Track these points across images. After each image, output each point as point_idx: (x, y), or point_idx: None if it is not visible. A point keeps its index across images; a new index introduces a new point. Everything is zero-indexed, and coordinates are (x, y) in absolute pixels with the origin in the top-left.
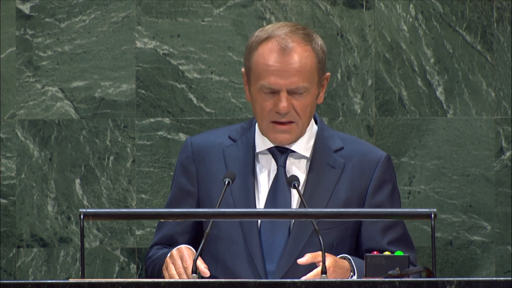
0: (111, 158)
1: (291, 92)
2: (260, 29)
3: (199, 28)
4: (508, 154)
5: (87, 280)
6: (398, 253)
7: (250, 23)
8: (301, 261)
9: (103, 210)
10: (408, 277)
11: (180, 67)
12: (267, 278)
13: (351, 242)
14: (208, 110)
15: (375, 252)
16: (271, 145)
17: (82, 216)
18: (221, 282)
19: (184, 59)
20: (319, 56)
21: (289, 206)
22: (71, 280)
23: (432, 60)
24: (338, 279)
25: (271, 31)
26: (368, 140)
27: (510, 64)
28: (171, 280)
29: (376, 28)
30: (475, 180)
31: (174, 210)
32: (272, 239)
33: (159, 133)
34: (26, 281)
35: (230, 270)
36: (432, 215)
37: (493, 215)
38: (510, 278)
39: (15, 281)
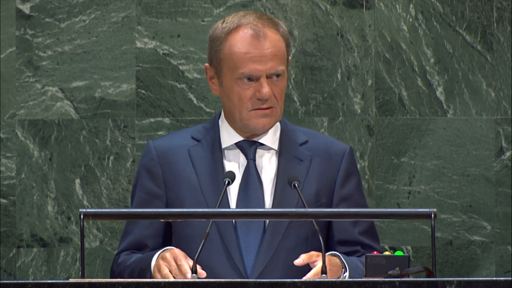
0: (111, 158)
1: (269, 77)
2: (221, 21)
3: (199, 28)
4: (508, 154)
5: (87, 280)
6: (398, 253)
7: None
8: (297, 262)
9: (103, 210)
10: (408, 277)
11: (180, 67)
12: (246, 273)
13: (323, 234)
14: (208, 110)
15: (375, 252)
16: (238, 139)
17: (82, 216)
18: (221, 282)
19: (184, 59)
20: (286, 40)
21: (262, 199)
22: (71, 280)
23: (432, 60)
24: (338, 279)
25: (237, 20)
26: (368, 140)
27: (510, 64)
28: (171, 280)
29: (376, 28)
30: (475, 180)
31: (173, 210)
32: (248, 235)
33: (159, 133)
34: (26, 281)
35: (207, 267)
36: (432, 215)
37: (493, 215)
38: (510, 278)
39: (15, 281)
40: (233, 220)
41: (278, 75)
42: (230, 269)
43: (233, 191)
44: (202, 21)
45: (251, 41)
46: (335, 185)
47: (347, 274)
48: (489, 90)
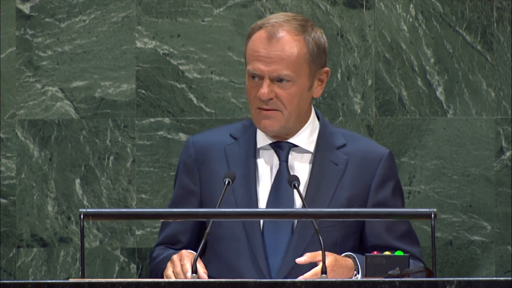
0: (111, 158)
1: (274, 80)
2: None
3: (199, 28)
4: (508, 154)
5: (87, 280)
6: (398, 253)
7: (250, 23)
8: (299, 260)
9: (103, 210)
10: (408, 277)
11: (180, 67)
12: (270, 276)
13: (355, 238)
14: (208, 110)
15: (375, 252)
16: (272, 139)
17: (82, 216)
18: (221, 282)
19: (184, 59)
20: (309, 47)
21: (292, 202)
22: (71, 280)
23: (432, 60)
24: (338, 279)
25: (266, 20)
26: None
27: (510, 64)
28: (171, 280)
29: (376, 28)
30: (475, 180)
31: (174, 210)
32: (275, 238)
33: (159, 133)
34: (26, 281)
35: (233, 269)
36: (432, 215)
37: (493, 215)
38: (510, 278)
39: (15, 281)
40: (261, 224)
41: (282, 80)
42: (254, 273)
43: (263, 193)
44: (202, 21)
45: (263, 41)
46: (369, 191)
47: (359, 276)
48: (489, 90)
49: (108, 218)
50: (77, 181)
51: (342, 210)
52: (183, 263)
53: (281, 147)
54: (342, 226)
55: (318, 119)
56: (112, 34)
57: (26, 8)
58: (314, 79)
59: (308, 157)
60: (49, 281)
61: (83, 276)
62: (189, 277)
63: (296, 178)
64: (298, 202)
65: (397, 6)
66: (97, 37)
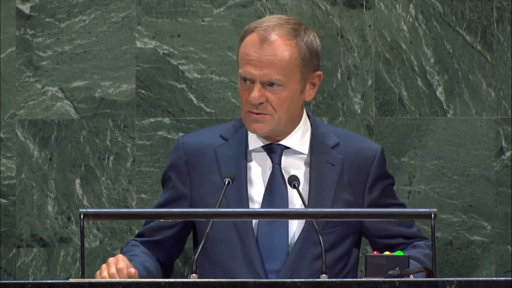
0: (111, 158)
1: (265, 84)
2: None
3: (199, 28)
4: (508, 154)
5: (87, 280)
6: (398, 253)
7: (250, 23)
8: None
9: (103, 210)
10: (408, 277)
11: (180, 67)
12: (267, 277)
13: (352, 239)
14: (208, 110)
15: (375, 252)
16: (264, 142)
17: (82, 216)
18: (221, 282)
19: (184, 59)
20: (301, 52)
21: (287, 204)
22: (71, 280)
23: (432, 60)
24: (338, 279)
25: (259, 22)
26: None
27: (510, 64)
28: (171, 280)
29: (376, 28)
30: (475, 180)
31: (174, 210)
32: (270, 239)
33: (159, 133)
34: (26, 281)
35: (228, 271)
36: (432, 215)
37: (493, 215)
38: (510, 278)
39: (15, 281)
40: (253, 225)
41: (273, 84)
42: (248, 274)
43: (257, 195)
44: (202, 21)
45: (255, 44)
46: (364, 190)
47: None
48: (489, 90)
49: (108, 218)
50: (77, 181)
51: (342, 210)
52: (119, 267)
53: (274, 150)
54: (341, 227)
55: (309, 118)
56: (112, 34)
57: (26, 8)
58: (306, 83)
59: (302, 159)
60: (49, 281)
61: (83, 276)
62: (126, 277)
63: (296, 178)
64: (293, 204)
65: (397, 6)
66: (97, 37)
